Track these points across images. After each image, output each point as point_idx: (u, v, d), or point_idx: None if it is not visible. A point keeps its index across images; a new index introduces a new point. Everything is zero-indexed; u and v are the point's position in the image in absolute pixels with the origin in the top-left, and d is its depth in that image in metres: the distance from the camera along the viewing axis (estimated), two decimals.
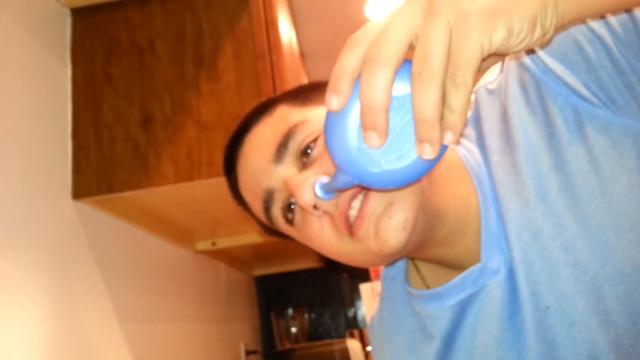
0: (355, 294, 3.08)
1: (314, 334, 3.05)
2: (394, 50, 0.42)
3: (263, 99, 1.12)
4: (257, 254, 2.46)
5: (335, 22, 2.54)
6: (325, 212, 0.64)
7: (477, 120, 0.71)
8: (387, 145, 0.45)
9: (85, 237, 1.16)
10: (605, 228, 0.59)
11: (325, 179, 0.60)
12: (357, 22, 2.57)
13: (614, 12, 0.55)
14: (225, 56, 1.16)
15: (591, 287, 0.59)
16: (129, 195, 1.15)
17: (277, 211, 0.70)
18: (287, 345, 2.75)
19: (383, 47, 0.42)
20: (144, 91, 1.16)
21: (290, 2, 2.25)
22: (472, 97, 0.75)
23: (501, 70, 0.70)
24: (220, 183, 1.12)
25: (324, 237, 0.66)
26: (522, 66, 0.65)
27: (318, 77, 2.98)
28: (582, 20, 0.57)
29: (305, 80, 2.48)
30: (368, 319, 2.70)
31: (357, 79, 0.44)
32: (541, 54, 0.62)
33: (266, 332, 2.96)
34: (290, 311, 2.86)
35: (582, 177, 0.60)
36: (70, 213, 1.12)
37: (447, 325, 0.72)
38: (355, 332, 2.75)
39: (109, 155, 1.13)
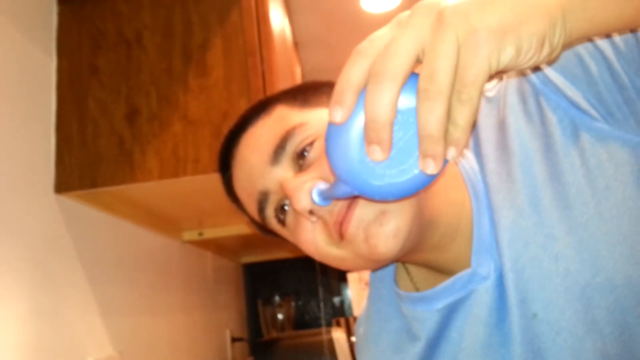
0: (342, 283, 3.08)
1: (300, 321, 3.05)
2: (401, 65, 0.41)
3: (252, 95, 1.11)
4: (245, 242, 2.44)
5: (330, 11, 2.51)
6: (320, 218, 0.64)
7: (474, 128, 0.71)
8: (389, 159, 0.45)
9: (68, 232, 1.14)
10: (597, 240, 0.59)
11: (322, 185, 0.61)
12: (352, 11, 2.54)
13: (622, 31, 0.55)
14: (215, 51, 1.14)
15: (580, 297, 0.60)
16: (113, 190, 1.14)
17: (270, 212, 0.70)
18: (274, 333, 2.75)
19: (390, 61, 0.41)
20: (130, 85, 1.13)
21: None
22: None
23: (500, 78, 0.70)
24: (206, 180, 1.12)
25: (316, 241, 0.66)
26: (522, 76, 0.65)
27: (312, 65, 2.95)
28: (590, 39, 0.57)
29: (297, 71, 2.45)
30: (355, 307, 2.68)
31: (361, 91, 0.44)
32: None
33: (253, 320, 2.97)
34: (277, 299, 2.87)
35: (576, 189, 0.60)
36: (52, 207, 1.10)
37: (433, 327, 0.72)
38: (342, 320, 2.76)
39: (93, 150, 1.11)
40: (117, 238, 1.40)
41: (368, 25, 2.63)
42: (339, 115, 0.44)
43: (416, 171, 0.45)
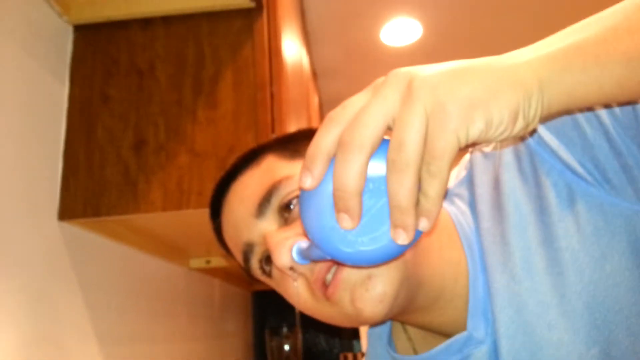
0: None
1: (307, 355, 3.01)
2: (369, 136, 0.41)
3: (259, 130, 1.10)
4: None
5: (350, 43, 2.52)
6: (301, 274, 0.64)
7: (471, 183, 0.70)
8: (361, 226, 0.44)
9: (70, 259, 1.14)
10: (592, 310, 0.57)
11: (304, 244, 0.60)
12: (371, 44, 2.55)
13: (604, 105, 0.54)
14: (225, 84, 1.14)
15: None
16: (117, 218, 1.13)
17: (255, 263, 0.70)
18: None
19: (358, 132, 0.41)
20: (140, 114, 1.14)
21: (303, 21, 2.23)
22: (467, 156, 0.74)
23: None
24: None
25: (300, 297, 0.65)
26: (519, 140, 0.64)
27: (330, 95, 2.96)
28: (571, 111, 0.55)
29: (315, 101, 2.46)
30: (363, 343, 2.64)
31: (333, 158, 0.43)
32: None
33: (260, 350, 2.93)
34: (284, 330, 2.83)
35: (570, 255, 0.58)
36: (55, 234, 1.10)
37: None
38: (349, 355, 2.71)
39: (98, 178, 1.11)
40: (121, 265, 1.39)
41: (387, 58, 2.64)
42: (308, 182, 0.44)
43: (388, 239, 0.44)
